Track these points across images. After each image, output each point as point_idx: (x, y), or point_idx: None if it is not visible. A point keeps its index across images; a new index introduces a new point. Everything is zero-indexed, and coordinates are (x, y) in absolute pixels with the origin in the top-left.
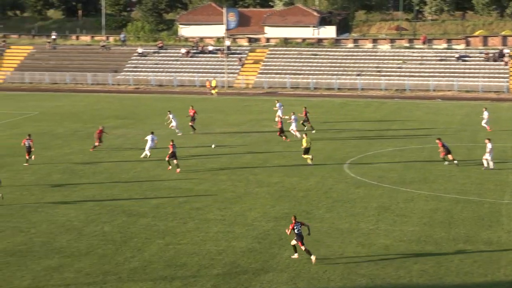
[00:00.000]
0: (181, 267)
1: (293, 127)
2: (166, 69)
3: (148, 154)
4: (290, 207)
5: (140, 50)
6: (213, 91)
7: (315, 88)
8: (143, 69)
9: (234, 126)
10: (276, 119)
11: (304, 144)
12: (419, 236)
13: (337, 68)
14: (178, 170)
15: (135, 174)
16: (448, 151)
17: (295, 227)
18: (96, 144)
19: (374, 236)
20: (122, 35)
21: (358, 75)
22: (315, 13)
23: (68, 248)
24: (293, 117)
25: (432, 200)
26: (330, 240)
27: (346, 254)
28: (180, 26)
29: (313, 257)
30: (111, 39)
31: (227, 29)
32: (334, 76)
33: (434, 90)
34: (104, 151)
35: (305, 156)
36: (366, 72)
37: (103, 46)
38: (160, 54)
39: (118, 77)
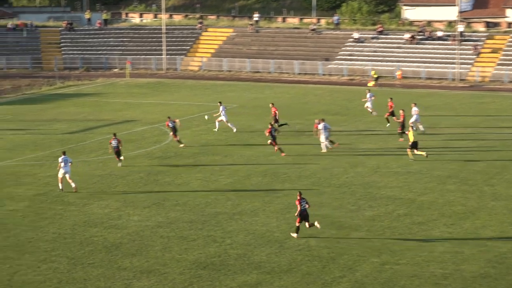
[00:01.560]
0: None
1: (413, 120)
2: (386, 58)
3: (328, 146)
4: None
5: (356, 35)
6: (369, 83)
7: None
8: (359, 58)
9: (465, 126)
10: (371, 111)
11: (411, 139)
12: None
13: None
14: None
15: (347, 179)
16: None
17: (301, 203)
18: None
19: None
20: (335, 18)
21: None
22: None
23: (267, 263)
24: (414, 109)
25: None
26: None
27: None
28: (404, 7)
29: (294, 234)
30: (323, 21)
31: (460, 12)
32: None
33: None
34: (311, 152)
35: (417, 152)
36: None
37: (313, 30)
38: (379, 40)
39: (330, 66)
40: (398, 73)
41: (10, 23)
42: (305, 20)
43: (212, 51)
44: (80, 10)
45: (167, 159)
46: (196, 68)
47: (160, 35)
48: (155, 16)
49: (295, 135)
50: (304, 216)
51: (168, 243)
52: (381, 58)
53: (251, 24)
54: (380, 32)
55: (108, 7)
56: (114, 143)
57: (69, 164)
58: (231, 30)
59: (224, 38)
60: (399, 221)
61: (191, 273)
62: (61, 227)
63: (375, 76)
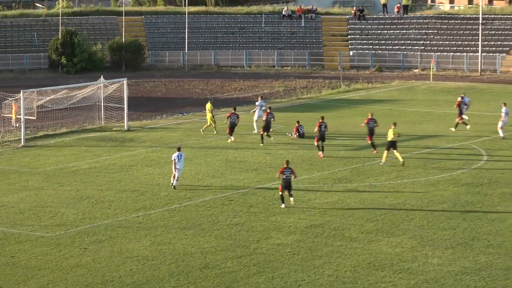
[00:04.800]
0: None
1: None
2: None
3: None
4: None
5: None
6: None
7: None
8: None
9: None
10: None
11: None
12: None
13: None
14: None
15: None
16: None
17: (285, 172)
18: None
19: None
20: None
21: None
22: None
23: None
24: None
25: None
26: None
27: None
28: None
29: (283, 205)
30: None
31: None
32: None
33: None
34: None
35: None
36: None
37: None
38: None
39: None
40: None
41: (285, 8)
42: None
43: None
44: None
45: (479, 187)
46: None
47: (475, 27)
48: (470, 2)
49: None
50: (286, 186)
51: None
52: None
53: None
54: None
55: None
56: (232, 118)
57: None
58: None
59: None
60: None
61: None
62: (339, 268)
63: None
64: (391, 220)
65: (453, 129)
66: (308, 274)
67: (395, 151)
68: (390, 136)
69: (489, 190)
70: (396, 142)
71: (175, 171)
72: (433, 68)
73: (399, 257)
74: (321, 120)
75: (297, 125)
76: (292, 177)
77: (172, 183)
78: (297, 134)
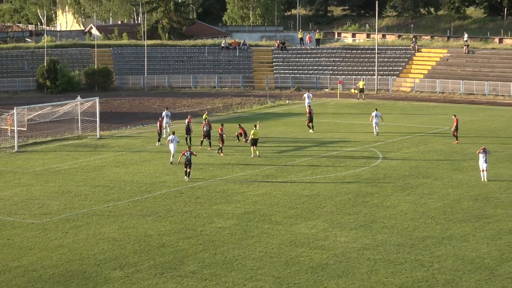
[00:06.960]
0: None
1: None
2: None
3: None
4: None
5: None
6: (353, 90)
7: None
8: None
9: None
10: None
11: (252, 136)
12: None
13: None
14: None
15: None
16: None
17: (186, 153)
18: None
19: None
20: None
21: None
22: None
23: None
24: None
25: None
26: None
27: None
28: None
29: (186, 178)
30: None
31: None
32: None
33: None
34: None
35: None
36: None
37: None
38: None
39: None
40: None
41: (223, 41)
42: None
43: (425, 72)
44: (293, 29)
45: (376, 181)
46: (408, 89)
47: (372, 55)
48: (368, 36)
49: (510, 159)
50: (187, 164)
51: (374, 266)
52: None
53: (466, 45)
54: None
55: (320, 26)
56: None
57: (177, 143)
58: (445, 51)
59: (438, 59)
60: None
61: None
62: (267, 246)
63: (362, 86)
64: (308, 208)
65: (311, 131)
66: (243, 250)
67: (255, 146)
68: (253, 135)
69: (384, 184)
70: (258, 139)
71: (170, 149)
72: (339, 88)
73: (314, 236)
74: (205, 122)
75: (241, 130)
76: (192, 155)
77: (171, 161)
78: (245, 138)
